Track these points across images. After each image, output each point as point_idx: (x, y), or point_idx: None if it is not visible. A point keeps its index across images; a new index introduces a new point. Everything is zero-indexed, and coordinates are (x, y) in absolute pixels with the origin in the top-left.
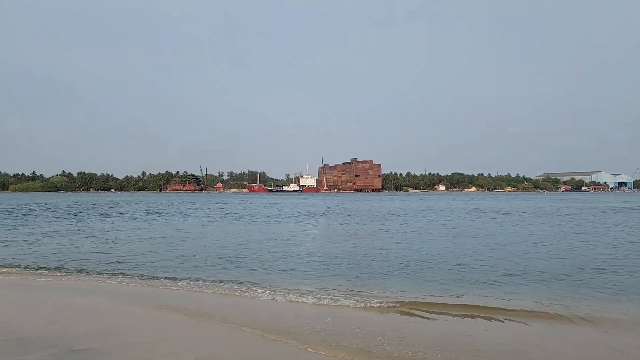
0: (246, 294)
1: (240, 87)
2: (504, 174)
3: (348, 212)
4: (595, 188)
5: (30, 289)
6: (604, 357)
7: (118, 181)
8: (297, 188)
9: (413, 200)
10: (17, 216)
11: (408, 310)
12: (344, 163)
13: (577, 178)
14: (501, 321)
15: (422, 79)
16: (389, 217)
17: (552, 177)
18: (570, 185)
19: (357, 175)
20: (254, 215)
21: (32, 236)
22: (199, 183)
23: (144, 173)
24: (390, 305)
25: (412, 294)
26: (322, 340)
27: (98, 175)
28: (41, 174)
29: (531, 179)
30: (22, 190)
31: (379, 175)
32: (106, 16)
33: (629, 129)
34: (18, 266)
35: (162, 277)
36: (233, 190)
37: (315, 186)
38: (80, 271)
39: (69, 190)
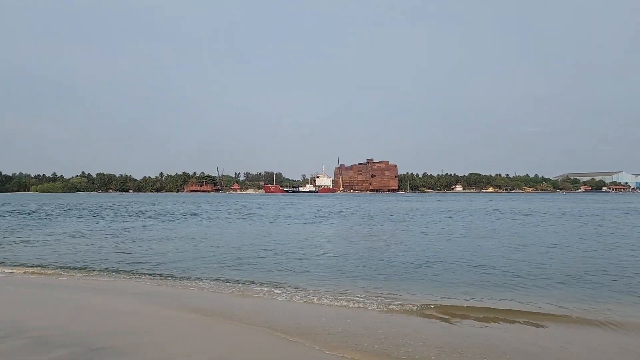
0: (264, 294)
1: (253, 88)
2: (522, 174)
3: (366, 213)
4: (616, 188)
5: (51, 288)
6: None
7: (136, 182)
8: (313, 189)
9: (430, 200)
10: (40, 217)
11: (429, 312)
12: (359, 164)
13: (597, 178)
14: (523, 324)
15: (438, 79)
16: (407, 217)
17: (572, 178)
18: (590, 186)
19: (373, 176)
20: (272, 215)
21: (53, 236)
22: (216, 184)
23: (161, 174)
24: (411, 307)
25: (432, 296)
26: (343, 341)
27: (117, 176)
28: (61, 175)
29: (550, 180)
30: (43, 191)
31: (395, 176)
32: (114, 17)
33: None
34: (39, 265)
35: (180, 277)
36: (249, 190)
37: (331, 187)
38: (100, 271)
39: (89, 191)
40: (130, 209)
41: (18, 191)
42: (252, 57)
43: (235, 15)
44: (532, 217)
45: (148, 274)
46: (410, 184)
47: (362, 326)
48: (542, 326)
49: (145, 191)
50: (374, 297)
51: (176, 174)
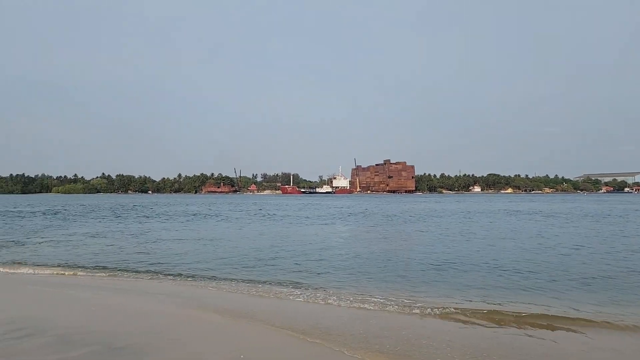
0: (284, 295)
1: (267, 89)
2: (541, 174)
3: (384, 214)
4: (638, 189)
5: (73, 288)
6: None
7: (155, 183)
8: (330, 189)
9: (448, 201)
10: (63, 217)
11: (451, 314)
12: (376, 164)
13: (620, 179)
14: (548, 328)
15: (454, 79)
16: (426, 218)
17: (593, 178)
18: (612, 187)
19: (390, 177)
20: (291, 216)
21: (75, 236)
22: (233, 185)
23: (179, 175)
24: (432, 309)
25: (453, 299)
26: (364, 343)
27: (136, 177)
28: (82, 177)
29: (570, 180)
30: (65, 192)
31: (412, 177)
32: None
33: None
34: (59, 265)
35: (200, 277)
36: (266, 191)
37: (348, 188)
38: (120, 270)
39: (108, 192)
40: (150, 210)
41: (40, 192)
42: (265, 58)
43: (240, 15)
44: (554, 219)
45: (168, 274)
46: (428, 184)
47: (382, 328)
48: (571, 330)
49: (164, 192)
50: (394, 298)
51: (194, 175)
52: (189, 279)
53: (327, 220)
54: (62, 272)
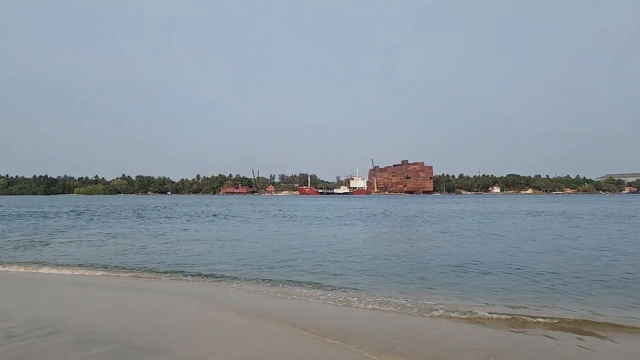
0: (303, 296)
1: (282, 90)
2: (562, 175)
3: (403, 214)
4: None
5: (94, 288)
6: None
7: (174, 184)
8: (347, 190)
9: (468, 202)
10: (87, 218)
11: (474, 317)
12: (394, 165)
13: None
14: (573, 332)
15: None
16: (445, 219)
17: (616, 178)
18: (635, 187)
19: (407, 178)
20: (310, 217)
21: (97, 236)
22: (251, 186)
23: (198, 176)
24: (454, 312)
25: (474, 301)
26: (386, 345)
27: (155, 178)
28: (103, 178)
29: (592, 180)
30: (86, 193)
31: (430, 177)
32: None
33: None
34: (81, 265)
35: (218, 277)
36: (284, 192)
37: (365, 188)
38: (141, 271)
39: (128, 193)
40: (171, 211)
41: (63, 193)
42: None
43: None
44: (578, 219)
45: (188, 274)
46: (446, 185)
47: (404, 329)
48: (598, 335)
49: (182, 193)
50: (415, 300)
51: (212, 176)
52: (209, 279)
53: (347, 221)
54: (84, 272)
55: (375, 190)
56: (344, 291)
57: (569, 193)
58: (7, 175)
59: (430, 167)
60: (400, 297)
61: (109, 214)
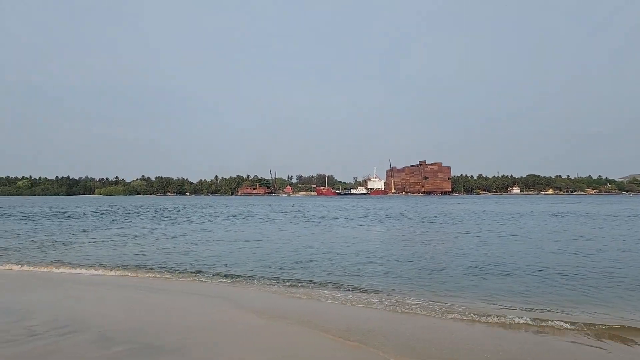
0: (323, 297)
1: (298, 91)
2: (584, 175)
3: (421, 215)
4: None
5: (113, 287)
6: None
7: (192, 185)
8: (365, 191)
9: (487, 203)
10: (110, 218)
11: (495, 320)
12: (411, 165)
13: None
14: (598, 337)
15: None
16: (465, 220)
17: (639, 179)
18: None
19: (425, 178)
20: (329, 217)
21: (118, 237)
22: (269, 186)
23: (216, 177)
24: (477, 314)
25: (497, 304)
26: (407, 347)
27: (174, 179)
28: (123, 179)
29: (615, 181)
30: (106, 194)
31: (449, 178)
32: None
33: None
34: (101, 265)
35: (237, 277)
36: (302, 193)
37: (382, 189)
38: (160, 270)
39: (148, 194)
40: (190, 211)
41: (84, 194)
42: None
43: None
44: (602, 220)
45: (207, 274)
46: (465, 186)
47: (425, 331)
48: (622, 339)
49: (201, 194)
50: (435, 301)
51: (230, 177)
52: (228, 279)
53: (366, 222)
54: (104, 272)
55: (393, 191)
56: (364, 292)
57: (591, 194)
58: (30, 177)
59: (449, 168)
60: (420, 299)
61: (130, 214)
